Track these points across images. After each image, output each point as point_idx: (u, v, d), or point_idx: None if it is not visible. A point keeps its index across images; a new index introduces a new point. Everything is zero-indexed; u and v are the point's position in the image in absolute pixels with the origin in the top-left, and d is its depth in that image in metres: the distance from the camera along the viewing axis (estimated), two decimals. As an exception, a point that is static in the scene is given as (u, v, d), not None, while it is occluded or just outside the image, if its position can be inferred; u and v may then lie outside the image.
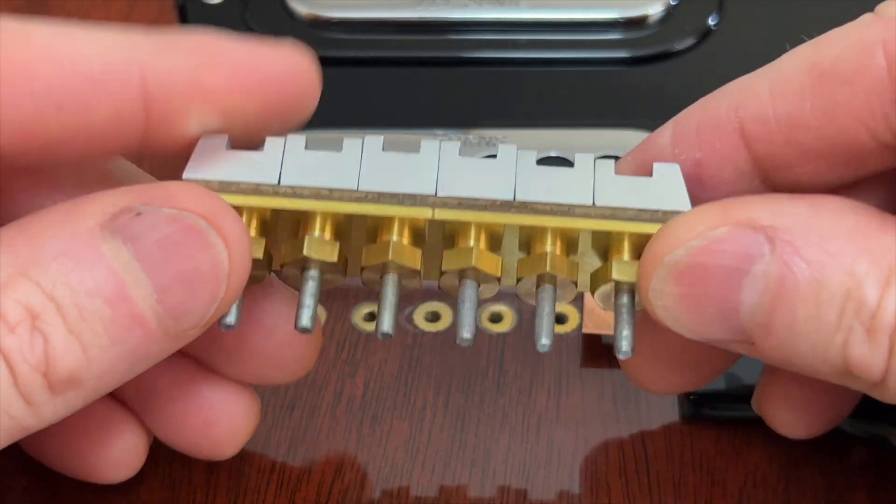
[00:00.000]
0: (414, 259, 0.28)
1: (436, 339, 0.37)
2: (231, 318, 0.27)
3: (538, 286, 0.28)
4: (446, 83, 0.42)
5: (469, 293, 0.27)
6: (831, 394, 0.31)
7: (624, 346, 0.27)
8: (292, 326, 0.28)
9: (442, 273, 0.28)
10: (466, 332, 0.27)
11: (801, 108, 0.27)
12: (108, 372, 0.25)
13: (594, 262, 0.28)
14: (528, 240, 0.28)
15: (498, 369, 0.36)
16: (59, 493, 0.32)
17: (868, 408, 0.31)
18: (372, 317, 0.37)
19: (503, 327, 0.37)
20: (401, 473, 0.33)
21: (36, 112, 0.26)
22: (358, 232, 0.28)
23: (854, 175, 0.28)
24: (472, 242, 0.27)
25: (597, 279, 0.28)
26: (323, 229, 0.28)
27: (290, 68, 0.28)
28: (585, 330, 0.35)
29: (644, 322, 0.28)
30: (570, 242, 0.28)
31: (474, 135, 0.40)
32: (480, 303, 0.29)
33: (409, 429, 0.34)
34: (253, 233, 0.28)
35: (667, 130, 0.29)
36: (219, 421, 0.31)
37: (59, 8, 0.47)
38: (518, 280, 0.28)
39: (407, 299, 0.38)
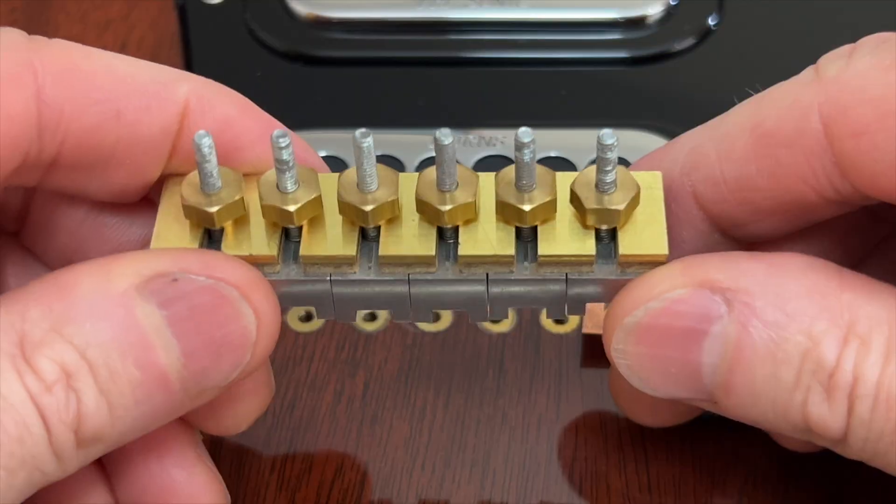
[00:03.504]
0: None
1: (436, 339, 0.37)
2: None
3: None
4: (446, 83, 0.42)
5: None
6: None
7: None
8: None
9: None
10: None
11: (748, 171, 0.27)
12: (129, 430, 0.26)
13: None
14: None
15: (498, 369, 0.36)
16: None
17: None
18: (372, 317, 0.37)
19: (503, 327, 0.37)
20: (401, 473, 0.33)
21: (97, 120, 0.27)
22: None
23: (806, 223, 0.28)
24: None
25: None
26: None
27: None
28: (585, 330, 0.35)
29: None
30: None
31: (474, 135, 0.40)
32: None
33: (409, 429, 0.34)
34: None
35: None
36: None
37: (60, 8, 0.47)
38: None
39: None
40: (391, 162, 0.39)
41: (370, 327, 0.37)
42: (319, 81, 0.42)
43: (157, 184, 0.29)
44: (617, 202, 0.27)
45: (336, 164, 0.39)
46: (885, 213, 0.30)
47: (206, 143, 0.27)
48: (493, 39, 0.43)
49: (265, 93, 0.41)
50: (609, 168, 0.27)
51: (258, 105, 0.29)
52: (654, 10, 0.42)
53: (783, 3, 0.43)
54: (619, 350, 0.27)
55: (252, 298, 0.27)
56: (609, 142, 0.26)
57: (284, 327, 0.37)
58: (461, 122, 0.41)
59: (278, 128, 0.29)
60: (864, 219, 0.30)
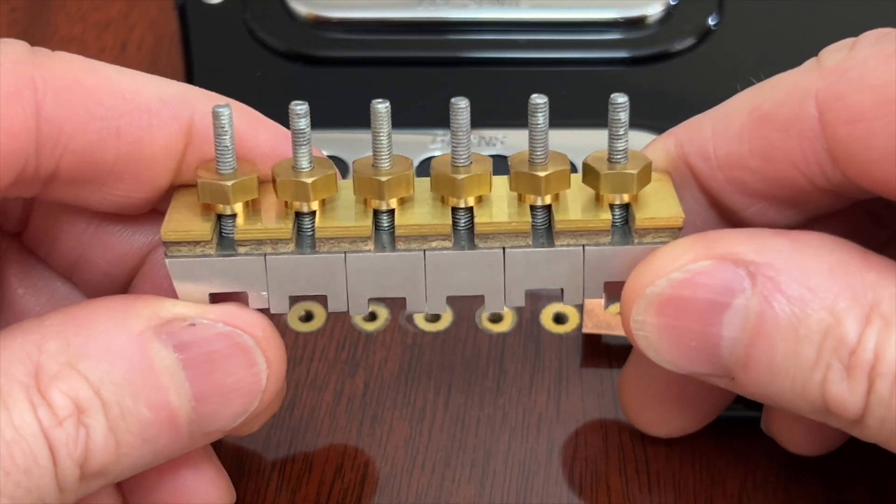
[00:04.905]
0: None
1: (436, 339, 0.37)
2: None
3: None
4: (446, 83, 0.42)
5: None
6: None
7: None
8: None
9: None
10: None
11: (740, 150, 0.27)
12: (133, 466, 0.27)
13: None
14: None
15: (498, 369, 0.36)
16: None
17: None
18: (372, 316, 0.37)
19: (503, 327, 0.37)
20: (401, 473, 0.33)
21: (97, 137, 0.27)
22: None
23: (800, 217, 0.28)
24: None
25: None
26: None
27: None
28: (585, 330, 0.35)
29: (643, 362, 0.28)
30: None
31: (474, 135, 0.40)
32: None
33: (409, 429, 0.34)
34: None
35: None
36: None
37: (60, 8, 0.47)
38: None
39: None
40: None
41: (370, 327, 0.37)
42: (319, 81, 0.42)
43: (163, 196, 0.29)
44: (630, 168, 0.27)
45: (335, 164, 0.39)
46: (888, 216, 0.30)
47: (226, 113, 0.26)
48: (493, 39, 0.43)
49: (265, 93, 0.41)
50: (621, 132, 0.27)
51: (259, 105, 0.29)
52: (654, 10, 0.42)
53: (783, 3, 0.43)
54: (639, 321, 0.27)
55: (266, 348, 0.27)
56: (621, 100, 0.27)
57: (284, 327, 0.37)
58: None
59: (288, 136, 0.29)
60: (867, 222, 0.30)
